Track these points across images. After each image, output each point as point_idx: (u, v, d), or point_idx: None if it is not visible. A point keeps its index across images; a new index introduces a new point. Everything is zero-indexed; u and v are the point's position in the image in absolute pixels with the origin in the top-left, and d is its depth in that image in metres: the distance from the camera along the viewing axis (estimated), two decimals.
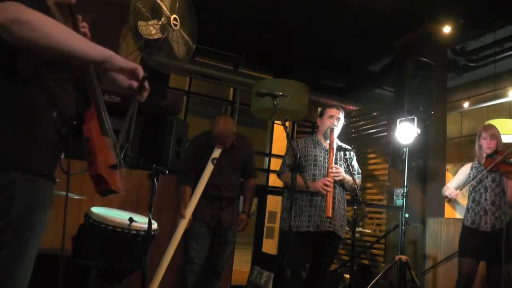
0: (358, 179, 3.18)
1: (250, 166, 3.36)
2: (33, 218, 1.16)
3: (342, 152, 3.16)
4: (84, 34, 1.41)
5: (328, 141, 3.14)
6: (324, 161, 3.11)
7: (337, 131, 3.16)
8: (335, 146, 3.10)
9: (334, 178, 2.99)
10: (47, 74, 1.19)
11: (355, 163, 3.27)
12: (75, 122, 1.25)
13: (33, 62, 1.16)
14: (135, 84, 1.27)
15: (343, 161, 3.14)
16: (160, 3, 3.56)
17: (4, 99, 1.13)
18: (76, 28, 1.38)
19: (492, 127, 3.42)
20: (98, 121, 1.26)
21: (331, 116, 3.17)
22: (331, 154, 3.05)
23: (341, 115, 3.21)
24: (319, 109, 3.65)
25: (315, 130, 3.41)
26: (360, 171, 3.28)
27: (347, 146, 3.25)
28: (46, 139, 1.19)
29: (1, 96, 1.13)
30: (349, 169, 3.05)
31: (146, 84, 1.29)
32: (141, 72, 1.26)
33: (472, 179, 3.36)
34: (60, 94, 1.23)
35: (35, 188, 1.16)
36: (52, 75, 1.21)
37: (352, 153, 3.28)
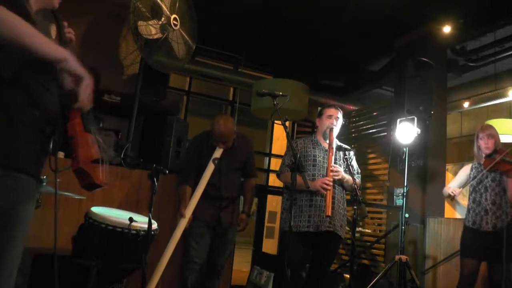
0: (357, 179, 3.18)
1: (250, 166, 3.35)
2: (15, 214, 1.19)
3: (341, 152, 3.16)
4: (69, 39, 1.46)
5: (327, 141, 3.14)
6: (323, 161, 3.12)
7: (336, 130, 3.16)
8: (334, 146, 3.10)
9: (334, 177, 3.00)
10: (29, 76, 1.23)
11: (354, 163, 3.28)
12: (62, 122, 1.29)
13: (12, 63, 1.19)
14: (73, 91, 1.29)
15: (343, 161, 3.14)
16: (160, 3, 3.57)
17: None
18: (60, 33, 1.41)
19: (489, 127, 3.41)
20: (81, 119, 1.31)
21: (330, 116, 3.18)
22: (331, 154, 3.05)
23: (340, 115, 3.21)
24: (319, 109, 3.65)
25: (315, 130, 3.41)
26: (359, 171, 3.28)
27: (347, 146, 3.24)
28: (28, 138, 1.22)
29: None
30: (349, 169, 3.05)
31: (84, 96, 1.28)
32: (85, 83, 1.28)
33: (472, 179, 3.37)
34: (44, 95, 1.26)
35: (17, 184, 1.19)
36: (34, 77, 1.24)
37: (351, 153, 3.28)
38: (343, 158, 3.13)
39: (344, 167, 3.12)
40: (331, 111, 3.21)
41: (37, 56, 1.21)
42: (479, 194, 3.31)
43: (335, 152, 3.12)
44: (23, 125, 1.20)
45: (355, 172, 3.19)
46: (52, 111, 1.28)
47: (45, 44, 1.21)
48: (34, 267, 2.68)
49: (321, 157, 3.13)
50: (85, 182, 1.28)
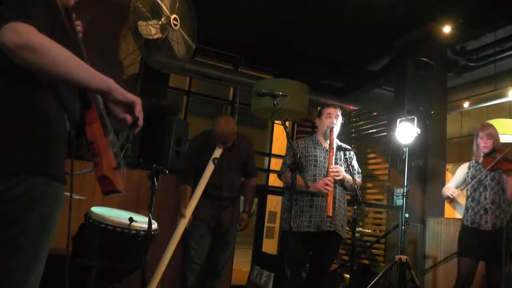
0: (358, 178, 3.18)
1: (250, 166, 3.35)
2: (49, 221, 1.17)
3: (342, 152, 3.17)
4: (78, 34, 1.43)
5: (328, 141, 3.14)
6: (324, 161, 3.12)
7: (336, 130, 3.17)
8: (335, 146, 3.10)
9: (335, 177, 3.00)
10: None
11: (355, 163, 3.28)
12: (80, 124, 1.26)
13: None
14: (129, 119, 1.27)
15: (343, 161, 3.14)
16: (160, 3, 3.57)
17: (23, 105, 1.13)
18: (73, 30, 1.39)
19: (489, 126, 3.39)
20: (100, 123, 1.26)
21: (329, 115, 3.18)
22: (331, 154, 3.05)
23: (339, 113, 3.21)
24: (318, 109, 3.66)
25: (315, 130, 3.41)
26: (360, 171, 3.28)
27: (347, 146, 3.25)
28: (60, 142, 1.20)
29: (20, 102, 1.13)
30: (349, 169, 3.06)
31: (140, 121, 1.29)
32: (138, 107, 1.26)
33: (472, 179, 3.36)
34: (69, 97, 1.24)
35: (52, 192, 1.17)
36: None
37: (352, 153, 3.28)
38: (344, 158, 3.14)
39: (344, 167, 3.12)
40: (330, 110, 3.21)
41: (80, 88, 1.18)
42: (478, 193, 3.30)
43: (336, 152, 3.12)
44: (56, 129, 1.18)
45: (356, 172, 3.20)
46: (76, 113, 1.26)
47: (90, 76, 1.17)
48: None
49: (322, 157, 3.13)
50: (107, 188, 1.23)
